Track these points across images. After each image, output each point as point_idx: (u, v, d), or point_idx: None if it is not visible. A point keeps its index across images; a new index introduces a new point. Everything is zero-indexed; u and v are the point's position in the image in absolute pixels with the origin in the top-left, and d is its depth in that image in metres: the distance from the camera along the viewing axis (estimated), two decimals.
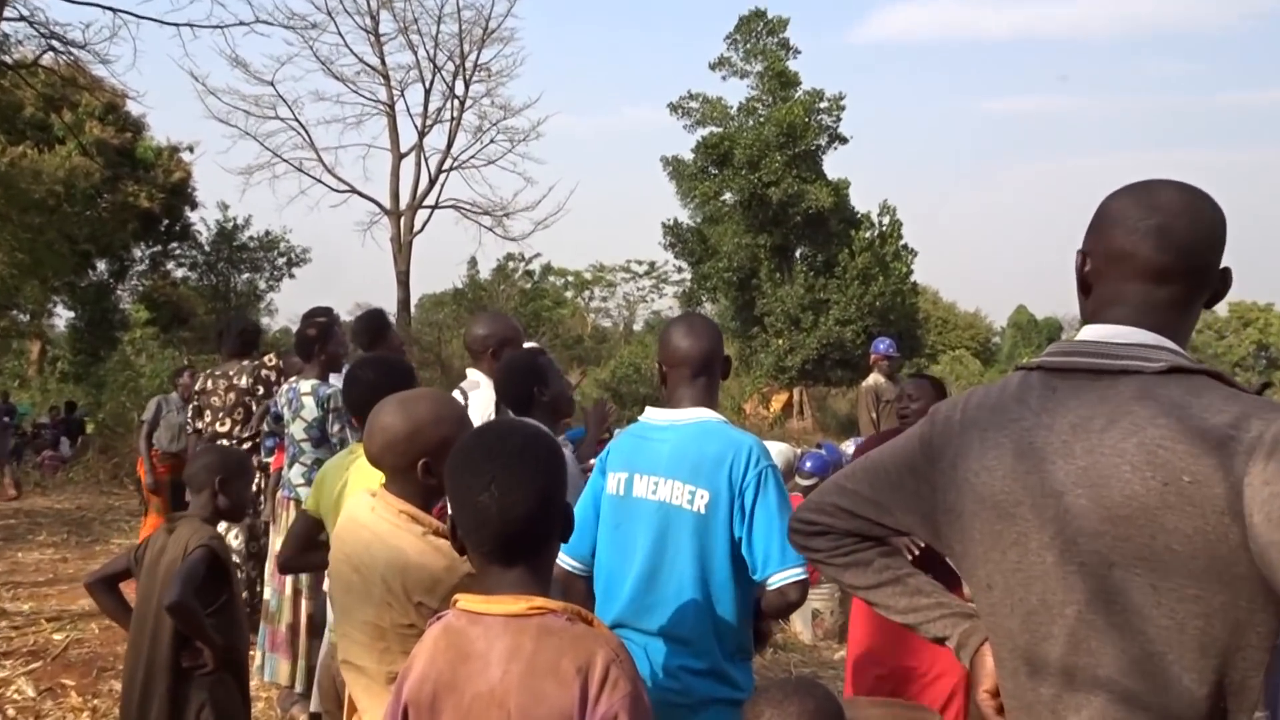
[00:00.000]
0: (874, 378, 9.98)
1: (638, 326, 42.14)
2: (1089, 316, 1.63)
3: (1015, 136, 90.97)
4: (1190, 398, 1.46)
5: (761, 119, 26.74)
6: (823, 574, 1.86)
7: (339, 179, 26.36)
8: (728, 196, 27.12)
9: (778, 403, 26.34)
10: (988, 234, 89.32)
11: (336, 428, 5.03)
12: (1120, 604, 1.45)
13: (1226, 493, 1.37)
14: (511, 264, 33.44)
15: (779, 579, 2.55)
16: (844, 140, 27.36)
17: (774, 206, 25.76)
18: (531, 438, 1.80)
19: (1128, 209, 1.57)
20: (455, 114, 26.14)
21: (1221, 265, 1.60)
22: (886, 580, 1.78)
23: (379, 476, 2.47)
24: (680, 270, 33.52)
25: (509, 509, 1.70)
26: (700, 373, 2.75)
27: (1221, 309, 40.86)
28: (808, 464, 7.55)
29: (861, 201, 28.75)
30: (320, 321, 5.25)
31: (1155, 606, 1.42)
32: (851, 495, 1.77)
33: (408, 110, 31.98)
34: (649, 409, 2.83)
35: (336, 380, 5.13)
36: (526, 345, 4.46)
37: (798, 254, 27.32)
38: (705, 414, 2.71)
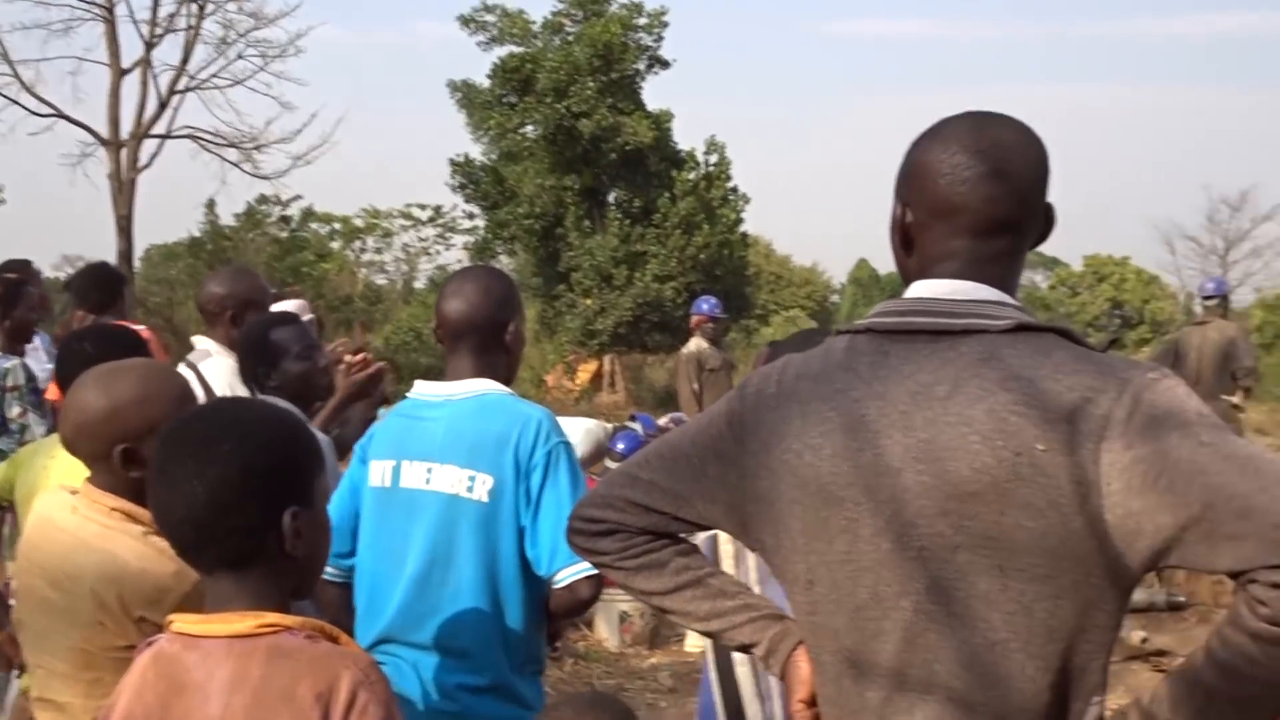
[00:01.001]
0: (696, 343, 10.11)
1: (419, 284, 41.42)
2: (916, 272, 1.67)
3: (864, 67, 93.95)
4: (1040, 358, 1.51)
5: (570, 37, 26.59)
6: (613, 579, 1.85)
7: (41, 100, 24.73)
8: (529, 129, 26.84)
9: (585, 373, 26.43)
10: (828, 178, 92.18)
11: (16, 411, 4.75)
12: (963, 591, 1.50)
13: (1080, 462, 1.44)
14: (264, 208, 32.31)
15: (568, 574, 2.56)
16: (665, 64, 27.45)
17: (584, 142, 25.64)
18: (257, 422, 1.74)
19: (952, 153, 1.61)
20: (192, 21, 24.91)
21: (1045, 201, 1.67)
22: (686, 583, 1.77)
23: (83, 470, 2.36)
24: (472, 217, 33.11)
25: (218, 507, 1.65)
26: (483, 339, 2.72)
27: (1076, 263, 43.50)
28: (620, 444, 7.62)
29: (685, 137, 29.04)
30: (8, 279, 4.97)
31: (1002, 590, 1.48)
32: (646, 487, 1.75)
33: (131, 15, 30.32)
34: (419, 383, 2.79)
35: (37, 356, 4.87)
36: (282, 307, 4.33)
37: (611, 198, 27.31)
38: (486, 385, 2.69)
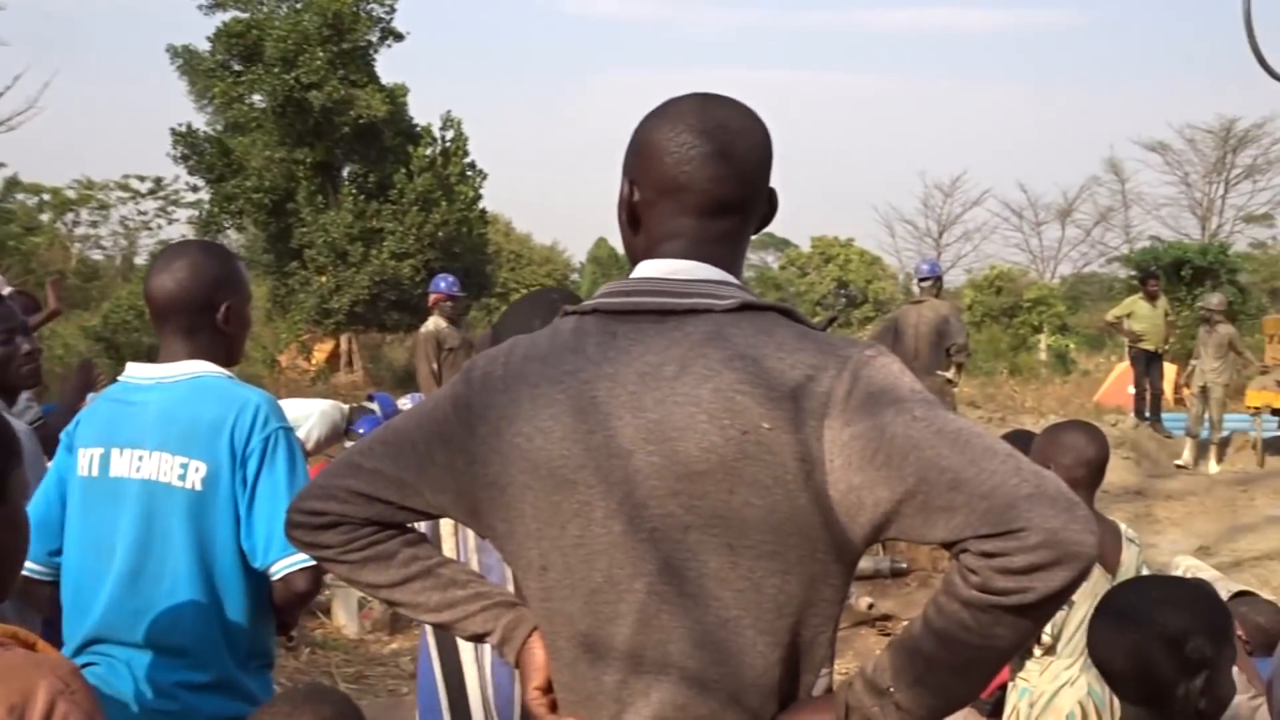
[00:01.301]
0: (434, 321, 10.01)
1: (140, 259, 39.23)
2: (643, 251, 1.68)
3: (598, 45, 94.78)
4: (763, 337, 1.54)
5: (298, 4, 25.72)
6: (336, 575, 1.78)
7: None
8: (257, 99, 25.84)
9: (321, 353, 25.72)
10: (566, 156, 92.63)
11: None
12: (695, 570, 1.51)
13: (804, 439, 1.47)
14: None
15: (283, 566, 2.47)
16: (399, 37, 26.91)
17: (316, 114, 24.86)
18: None
19: (679, 133, 1.62)
20: None
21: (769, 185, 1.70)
22: (415, 574, 1.73)
23: None
24: (196, 190, 31.48)
25: None
26: (192, 319, 2.57)
27: (804, 244, 45.32)
28: (361, 427, 7.47)
29: (421, 112, 28.60)
30: None
31: (732, 568, 1.50)
32: (369, 475, 1.69)
33: None
34: (130, 365, 2.62)
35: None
36: None
37: (345, 173, 26.64)
38: (200, 367, 2.56)
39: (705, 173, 1.62)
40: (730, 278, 1.64)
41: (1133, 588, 2.27)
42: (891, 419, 1.46)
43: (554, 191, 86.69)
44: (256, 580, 2.53)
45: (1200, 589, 2.39)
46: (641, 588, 1.53)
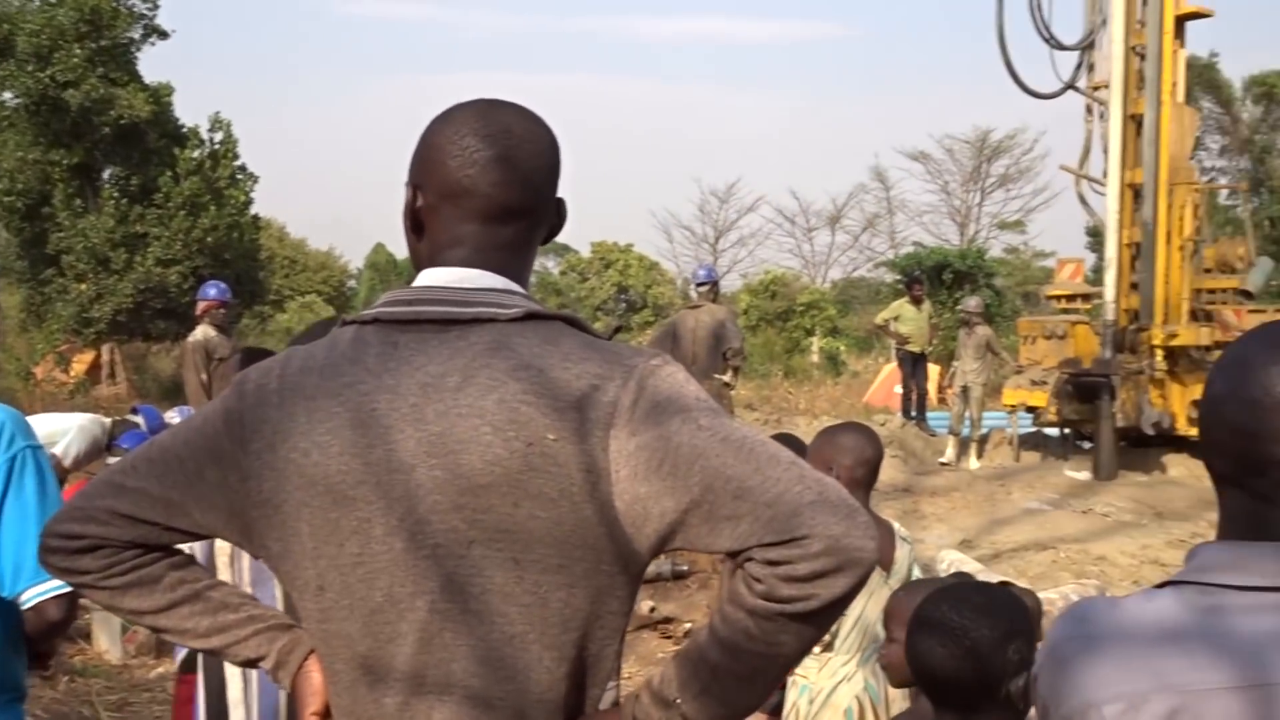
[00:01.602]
0: (203, 330, 9.67)
1: None
2: (427, 258, 1.65)
3: (372, 48, 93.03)
4: (549, 347, 1.52)
5: (53, 0, 24.40)
6: (96, 602, 1.69)
7: None
8: (8, 97, 24.40)
9: (81, 364, 24.39)
10: (343, 160, 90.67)
11: None
12: (479, 586, 1.48)
13: (590, 450, 1.46)
14: None
15: (36, 594, 2.33)
16: (163, 34, 25.85)
17: (73, 114, 23.57)
18: None
19: (462, 137, 1.60)
20: None
21: (558, 196, 1.69)
22: (182, 598, 1.64)
23: None
24: None
25: None
26: None
27: (584, 250, 45.65)
28: (125, 443, 7.13)
29: (188, 113, 27.52)
30: None
31: (517, 583, 1.48)
32: (133, 495, 1.60)
33: None
34: None
35: None
36: None
37: (106, 176, 25.38)
38: None
39: (489, 177, 1.59)
40: (515, 286, 1.62)
41: (947, 599, 2.33)
42: (677, 428, 1.46)
43: (330, 196, 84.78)
44: (5, 609, 2.37)
45: (1006, 593, 2.49)
46: (423, 606, 1.49)
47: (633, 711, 1.52)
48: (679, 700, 1.48)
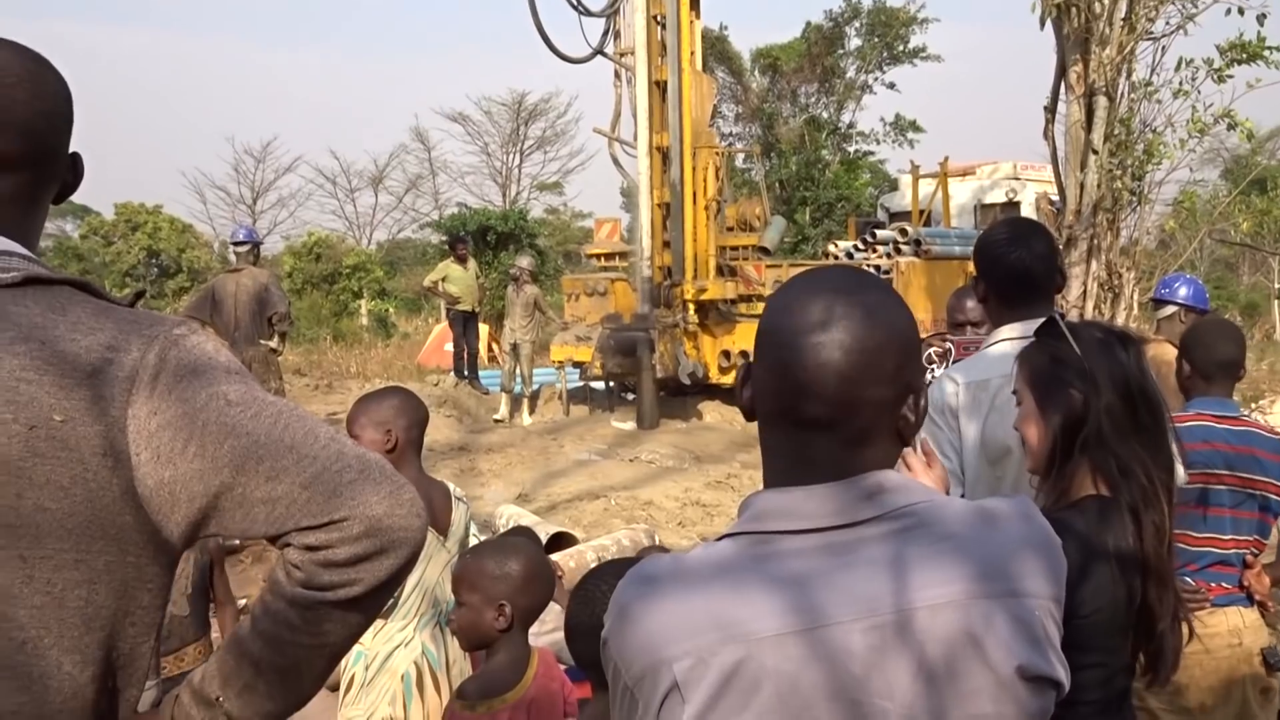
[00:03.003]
0: None
1: None
2: None
3: None
4: (55, 315, 1.35)
5: None
6: None
7: None
8: None
9: None
10: None
11: None
12: None
13: (106, 429, 1.31)
14: None
15: None
16: None
17: None
18: None
19: None
20: None
21: (71, 150, 1.51)
22: None
23: None
24: None
25: None
26: None
27: (107, 212, 42.27)
28: None
29: None
30: None
31: (26, 583, 1.30)
32: None
33: None
34: None
35: None
36: None
37: None
38: None
39: None
40: (16, 247, 1.42)
41: (603, 578, 2.31)
42: (204, 404, 1.34)
43: None
44: None
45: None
46: None
47: (172, 713, 1.41)
48: (221, 699, 1.39)
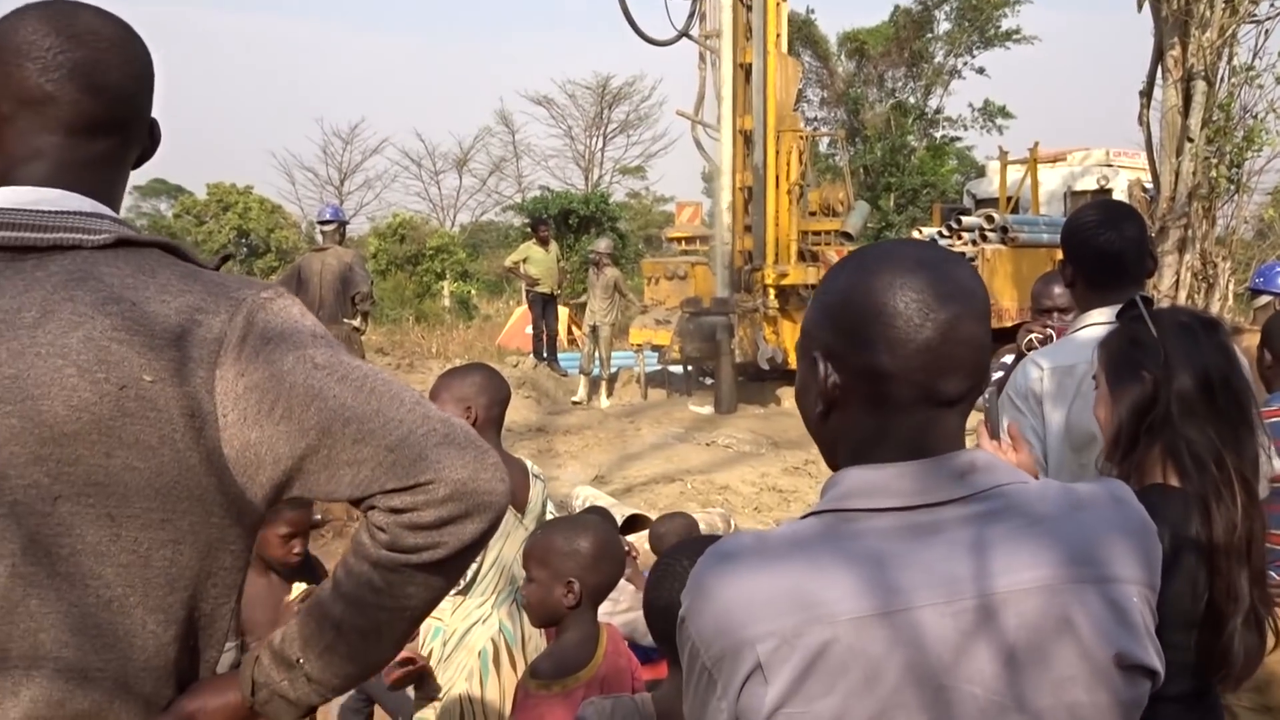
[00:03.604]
0: None
1: None
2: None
3: None
4: (144, 277, 1.37)
5: None
6: None
7: None
8: None
9: None
10: None
11: None
12: (68, 546, 1.31)
13: (194, 391, 1.32)
14: None
15: None
16: None
17: None
18: None
19: (43, 37, 1.40)
20: None
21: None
22: None
23: None
24: None
25: None
26: None
27: (200, 192, 43.12)
28: None
29: None
30: None
31: (114, 541, 1.32)
32: None
33: None
34: None
35: None
36: None
37: None
38: None
39: (76, 83, 1.41)
40: (106, 210, 1.44)
41: (683, 554, 2.30)
42: (291, 367, 1.35)
43: None
44: None
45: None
46: (3, 571, 1.31)
47: (252, 674, 1.41)
48: (302, 660, 1.39)
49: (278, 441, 1.34)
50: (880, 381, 1.30)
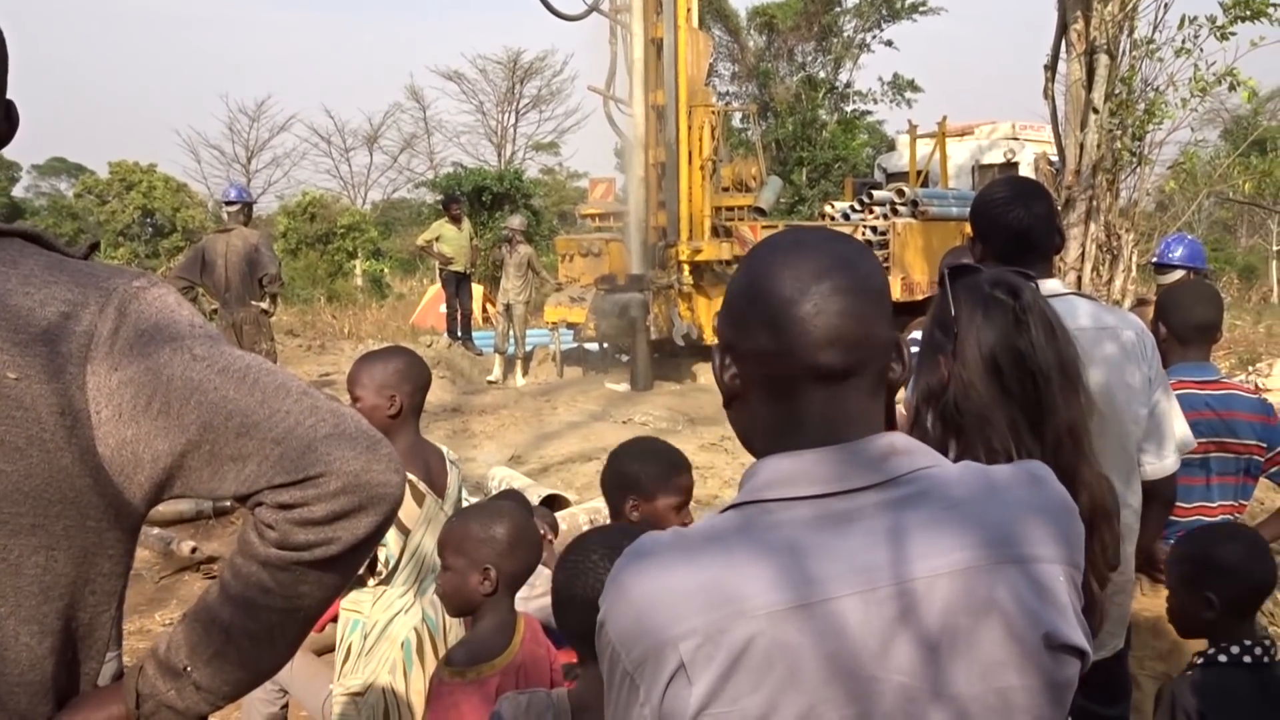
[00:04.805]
0: None
1: None
2: None
3: None
4: (6, 269, 1.29)
5: None
6: None
7: None
8: None
9: None
10: None
11: None
12: None
13: (64, 388, 1.24)
14: None
15: None
16: None
17: None
18: None
19: None
20: None
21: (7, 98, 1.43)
22: None
23: None
24: None
25: None
26: None
27: (102, 170, 41.97)
28: None
29: None
30: None
31: None
32: None
33: None
34: None
35: None
36: None
37: None
38: None
39: None
40: None
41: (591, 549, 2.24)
42: (168, 359, 1.27)
43: None
44: None
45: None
46: None
47: (137, 686, 1.34)
48: (189, 668, 1.32)
49: (155, 438, 1.27)
50: (767, 363, 1.29)
